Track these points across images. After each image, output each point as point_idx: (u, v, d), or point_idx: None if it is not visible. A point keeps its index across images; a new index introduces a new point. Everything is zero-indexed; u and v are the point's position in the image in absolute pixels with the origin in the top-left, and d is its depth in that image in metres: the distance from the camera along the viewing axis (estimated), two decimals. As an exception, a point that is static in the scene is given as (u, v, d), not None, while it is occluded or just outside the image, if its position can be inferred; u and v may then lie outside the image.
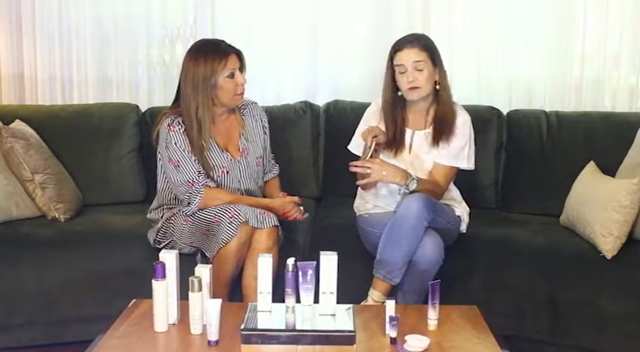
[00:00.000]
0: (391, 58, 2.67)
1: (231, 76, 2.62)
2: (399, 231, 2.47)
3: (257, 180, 2.81)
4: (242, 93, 2.68)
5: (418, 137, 2.72)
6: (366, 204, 2.79)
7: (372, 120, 2.77)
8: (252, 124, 2.83)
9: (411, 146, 2.72)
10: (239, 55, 2.66)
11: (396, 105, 2.71)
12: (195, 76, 2.59)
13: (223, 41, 2.68)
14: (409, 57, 2.62)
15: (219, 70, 2.59)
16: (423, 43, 2.65)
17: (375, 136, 2.59)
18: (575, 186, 2.90)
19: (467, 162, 2.72)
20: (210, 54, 2.60)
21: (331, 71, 3.70)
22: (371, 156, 2.58)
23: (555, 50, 3.55)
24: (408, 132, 2.73)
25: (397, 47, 2.66)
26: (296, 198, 2.74)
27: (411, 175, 2.57)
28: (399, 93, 2.69)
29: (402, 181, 2.56)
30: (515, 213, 3.17)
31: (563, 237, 2.81)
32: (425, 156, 2.71)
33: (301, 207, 2.74)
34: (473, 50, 3.60)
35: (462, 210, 2.78)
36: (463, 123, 2.70)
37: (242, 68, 2.68)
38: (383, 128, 2.71)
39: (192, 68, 2.60)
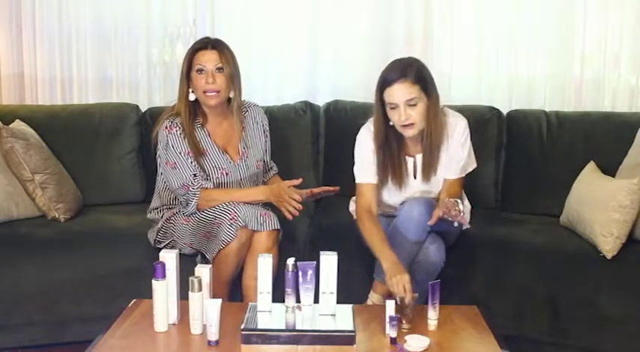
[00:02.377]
0: (380, 92, 2.46)
1: (200, 71, 2.63)
2: (400, 235, 2.46)
3: (257, 183, 2.81)
4: (212, 97, 2.64)
5: (419, 161, 2.62)
6: None
7: (367, 151, 2.61)
8: (253, 127, 2.83)
9: (415, 171, 2.63)
10: (223, 56, 2.63)
11: (389, 137, 2.54)
12: (181, 69, 2.68)
13: (216, 39, 2.70)
14: (400, 94, 2.41)
15: (193, 62, 2.64)
16: (413, 74, 2.41)
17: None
18: (575, 186, 2.90)
19: (473, 164, 2.70)
20: (194, 46, 2.68)
21: (331, 71, 3.70)
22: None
23: (555, 50, 3.54)
24: (410, 160, 2.62)
25: (386, 83, 2.43)
26: (296, 181, 2.64)
27: None
28: (391, 123, 2.51)
29: None
30: (515, 213, 3.16)
31: (563, 237, 2.81)
32: (432, 179, 2.63)
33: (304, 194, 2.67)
34: (473, 50, 3.60)
35: (464, 209, 2.75)
36: (462, 132, 2.59)
37: (224, 71, 2.63)
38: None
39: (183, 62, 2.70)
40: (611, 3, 3.47)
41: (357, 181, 2.64)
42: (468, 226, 2.65)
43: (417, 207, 2.45)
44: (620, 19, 3.48)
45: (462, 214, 2.38)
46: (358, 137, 2.65)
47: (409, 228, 2.45)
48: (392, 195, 2.66)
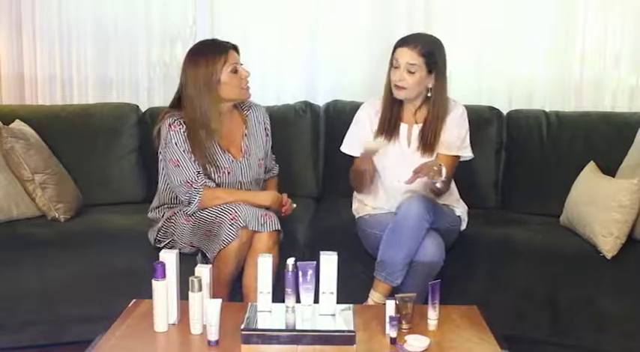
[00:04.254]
0: (393, 50, 2.67)
1: (234, 71, 2.63)
2: (400, 233, 2.47)
3: (259, 181, 2.82)
4: (248, 88, 2.69)
5: (415, 132, 2.72)
6: (365, 206, 2.79)
7: (365, 122, 2.78)
8: (255, 126, 2.83)
9: (410, 140, 2.72)
10: (237, 49, 2.68)
11: (393, 97, 2.70)
12: (196, 77, 2.61)
13: (216, 39, 2.71)
14: (405, 57, 2.61)
15: (219, 67, 2.60)
16: (425, 48, 2.61)
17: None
18: (575, 186, 2.90)
19: (468, 151, 2.74)
20: (210, 53, 2.62)
21: (331, 71, 3.70)
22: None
23: (555, 50, 3.54)
24: (404, 126, 2.73)
25: (399, 43, 2.66)
26: (293, 205, 2.77)
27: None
28: None
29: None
30: (515, 213, 3.16)
31: (563, 237, 2.81)
32: (425, 156, 2.69)
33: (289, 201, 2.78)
34: (473, 50, 3.60)
35: (461, 209, 2.78)
36: (460, 115, 2.73)
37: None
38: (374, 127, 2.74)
39: (192, 70, 2.62)
40: (611, 3, 3.48)
41: (350, 154, 2.80)
42: (441, 180, 2.56)
43: (415, 203, 2.47)
44: (620, 19, 3.48)
45: (441, 176, 2.47)
46: (360, 113, 2.83)
47: (408, 224, 2.46)
48: (388, 156, 2.71)
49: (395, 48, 2.66)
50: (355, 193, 2.87)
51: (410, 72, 2.61)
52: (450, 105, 2.72)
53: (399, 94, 2.66)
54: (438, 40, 2.70)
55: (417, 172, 2.44)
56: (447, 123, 2.70)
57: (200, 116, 2.61)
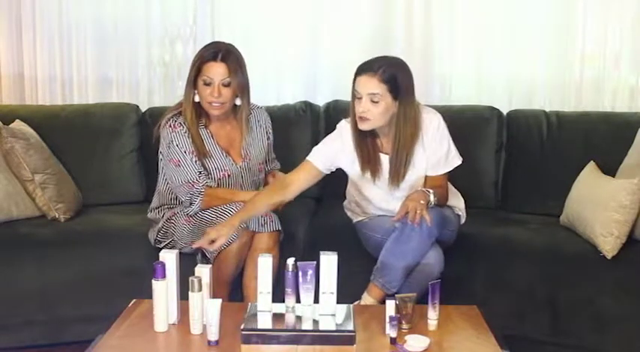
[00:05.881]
0: (354, 80, 2.47)
1: (207, 84, 2.60)
2: (406, 244, 2.43)
3: (258, 185, 2.82)
4: (217, 108, 2.62)
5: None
6: (356, 215, 2.78)
7: (337, 140, 2.60)
8: (257, 130, 2.83)
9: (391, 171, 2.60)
10: (231, 69, 2.59)
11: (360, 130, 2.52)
12: (189, 71, 2.65)
13: (227, 49, 2.63)
14: (366, 86, 2.41)
15: (195, 70, 2.61)
16: (386, 73, 2.40)
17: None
18: (575, 186, 2.90)
19: (457, 160, 2.64)
20: (202, 53, 2.64)
21: (331, 71, 3.70)
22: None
23: (555, 50, 3.55)
24: (385, 157, 2.59)
25: (358, 71, 2.46)
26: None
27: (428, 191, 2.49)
28: None
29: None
30: (515, 213, 3.16)
31: (563, 237, 2.81)
32: (407, 177, 2.59)
33: None
34: (473, 50, 3.60)
35: (460, 205, 2.74)
36: (437, 127, 2.56)
37: (230, 85, 2.60)
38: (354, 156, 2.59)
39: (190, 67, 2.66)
40: (611, 3, 3.48)
41: (307, 157, 2.62)
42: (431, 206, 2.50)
43: (429, 218, 2.41)
44: (620, 19, 3.49)
45: (428, 206, 2.41)
46: (338, 125, 2.64)
47: (415, 237, 2.42)
48: (371, 190, 2.64)
49: (354, 77, 2.46)
50: (345, 204, 2.84)
51: (373, 101, 2.41)
52: (424, 122, 2.53)
53: (361, 125, 2.46)
54: (400, 60, 2.49)
55: (404, 213, 2.38)
56: (426, 144, 2.55)
57: (184, 108, 2.64)
